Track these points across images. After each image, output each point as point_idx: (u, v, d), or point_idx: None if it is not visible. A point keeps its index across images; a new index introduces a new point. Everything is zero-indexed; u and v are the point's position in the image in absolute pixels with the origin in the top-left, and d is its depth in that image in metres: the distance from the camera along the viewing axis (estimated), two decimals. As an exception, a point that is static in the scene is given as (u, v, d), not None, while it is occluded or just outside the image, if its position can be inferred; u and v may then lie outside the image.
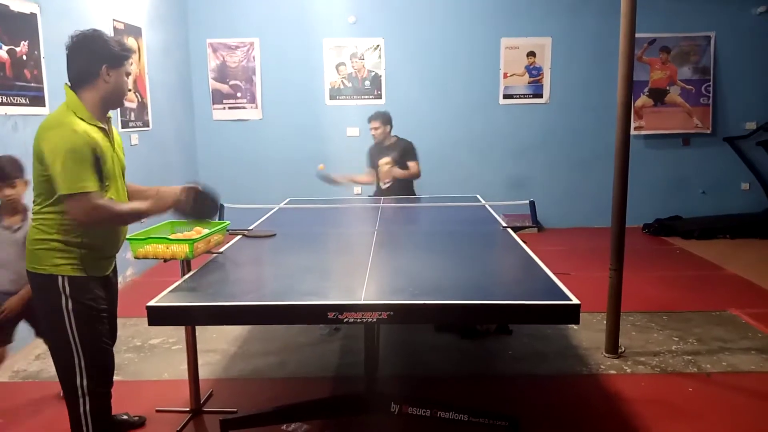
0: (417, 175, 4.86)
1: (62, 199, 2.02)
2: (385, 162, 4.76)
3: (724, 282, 4.80)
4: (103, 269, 2.22)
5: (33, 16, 3.79)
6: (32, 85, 3.76)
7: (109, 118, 2.24)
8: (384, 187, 4.85)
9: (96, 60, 2.10)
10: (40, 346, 3.59)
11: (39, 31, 3.83)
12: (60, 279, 2.08)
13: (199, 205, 2.28)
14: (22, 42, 3.68)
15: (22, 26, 3.69)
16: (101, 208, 2.04)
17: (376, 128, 4.83)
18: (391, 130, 4.87)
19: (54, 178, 2.00)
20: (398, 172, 4.77)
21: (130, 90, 2.27)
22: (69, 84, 2.13)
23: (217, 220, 2.59)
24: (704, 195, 6.83)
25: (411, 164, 4.80)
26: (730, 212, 6.65)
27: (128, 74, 2.21)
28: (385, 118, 4.84)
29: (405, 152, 4.82)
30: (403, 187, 4.85)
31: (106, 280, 2.25)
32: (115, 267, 2.38)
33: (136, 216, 2.20)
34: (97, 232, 2.14)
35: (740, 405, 2.83)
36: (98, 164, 2.06)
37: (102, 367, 2.18)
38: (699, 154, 6.79)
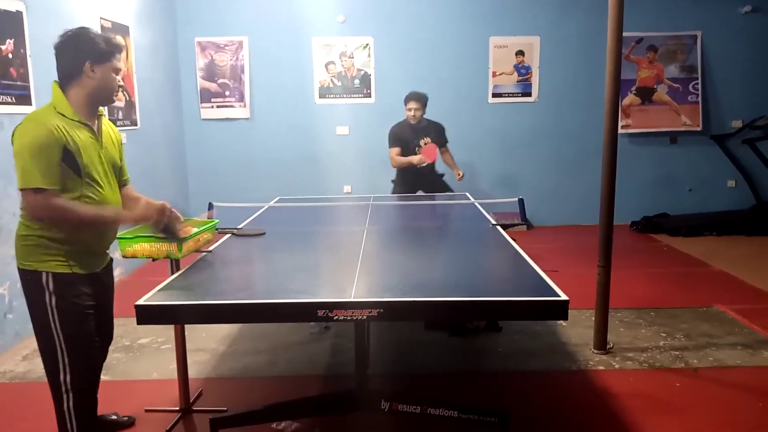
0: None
1: (21, 193, 2.02)
2: (425, 142, 5.07)
3: (711, 278, 4.84)
4: (91, 266, 2.21)
5: (19, 14, 3.75)
6: (18, 83, 3.73)
7: (101, 114, 2.24)
8: (423, 165, 5.06)
9: (80, 56, 2.10)
10: (28, 347, 3.57)
11: (25, 29, 3.80)
12: (44, 275, 2.07)
13: (168, 232, 2.29)
14: (8, 40, 3.64)
15: (8, 24, 3.66)
16: (56, 208, 2.02)
17: (416, 109, 5.01)
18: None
19: (16, 171, 2.00)
20: (450, 159, 5.24)
21: (121, 86, 2.27)
22: (58, 81, 2.14)
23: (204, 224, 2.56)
24: (691, 192, 6.89)
25: (448, 149, 5.29)
26: (716, 209, 6.71)
27: (117, 71, 2.19)
28: (423, 100, 5.05)
29: (441, 135, 5.20)
30: (435, 177, 5.19)
31: (95, 278, 2.24)
32: (110, 264, 2.36)
33: (98, 221, 2.16)
34: (82, 228, 2.12)
35: (727, 399, 2.86)
36: (71, 161, 2.05)
37: (86, 364, 2.17)
38: (686, 152, 6.85)
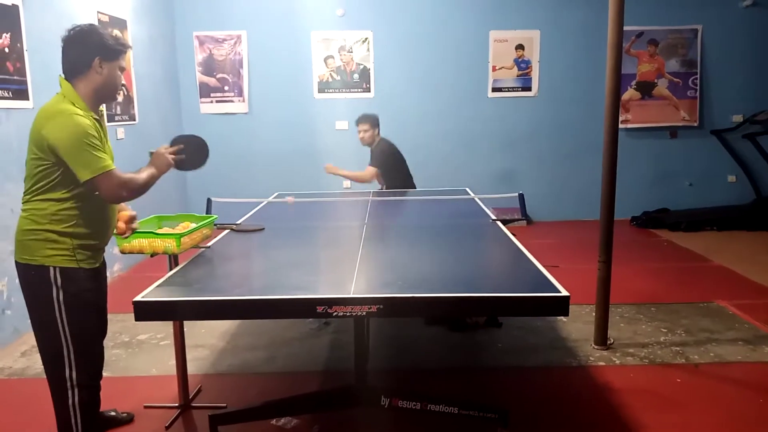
0: (365, 180, 4.84)
1: (88, 184, 2.04)
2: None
3: (711, 273, 4.84)
4: (94, 260, 2.21)
5: (15, 8, 3.72)
6: (15, 78, 3.70)
7: (102, 112, 2.24)
8: (383, 189, 4.83)
9: (90, 52, 2.11)
10: (27, 343, 3.55)
11: (21, 24, 3.77)
12: (51, 270, 2.06)
13: (192, 154, 2.50)
14: (4, 34, 3.62)
15: (4, 18, 3.63)
16: (127, 180, 2.11)
17: (365, 131, 4.77)
18: (378, 132, 4.81)
19: (72, 166, 2.01)
20: (344, 172, 4.88)
21: (124, 85, 2.30)
22: (63, 75, 2.14)
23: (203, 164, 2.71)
24: (691, 187, 6.87)
25: (368, 168, 4.78)
26: (717, 204, 6.70)
27: (122, 69, 2.21)
28: (373, 121, 4.78)
29: (373, 156, 4.81)
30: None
31: (97, 272, 2.24)
32: (104, 259, 2.36)
33: (152, 178, 2.26)
34: (88, 222, 2.13)
35: (727, 395, 2.86)
36: None
37: (91, 359, 2.17)
38: (686, 147, 6.83)
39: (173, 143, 2.45)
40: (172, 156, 2.39)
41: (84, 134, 2.00)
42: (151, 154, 2.34)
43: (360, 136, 4.80)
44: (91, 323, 2.15)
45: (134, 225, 2.40)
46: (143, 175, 2.22)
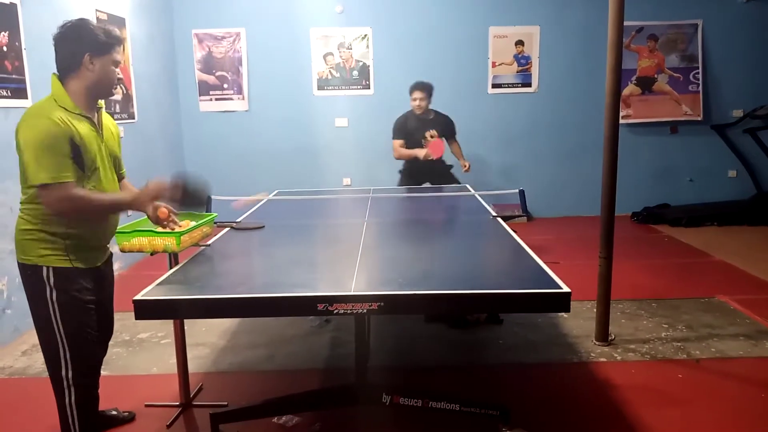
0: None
1: (37, 190, 2.00)
2: (431, 134, 4.87)
3: (712, 269, 4.83)
4: (91, 260, 2.20)
5: (13, 6, 3.71)
6: (13, 77, 3.69)
7: (100, 107, 2.21)
8: (433, 158, 4.92)
9: (79, 48, 2.08)
10: (27, 342, 3.55)
11: (19, 22, 3.76)
12: (45, 269, 2.07)
13: (188, 198, 2.29)
14: (2, 33, 3.61)
15: (2, 17, 3.62)
16: (77, 198, 2.02)
17: (421, 99, 4.86)
18: (430, 102, 4.94)
19: (25, 167, 1.99)
20: (458, 150, 5.12)
21: (120, 79, 2.26)
22: (57, 73, 2.12)
23: (205, 211, 2.59)
24: (692, 183, 6.86)
25: (457, 140, 5.09)
26: (717, 200, 6.69)
27: (116, 63, 2.17)
28: (428, 89, 4.90)
29: (449, 128, 5.03)
30: (443, 168, 5.06)
31: (97, 272, 2.23)
32: (110, 259, 2.35)
33: (116, 207, 2.20)
34: (82, 223, 2.11)
35: (729, 390, 2.85)
36: (77, 153, 2.04)
37: (87, 358, 2.17)
38: (686, 142, 6.82)
39: (175, 178, 2.29)
40: (161, 191, 2.24)
41: (46, 139, 1.96)
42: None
43: (416, 104, 4.90)
44: (86, 323, 2.14)
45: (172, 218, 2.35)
46: (107, 198, 2.14)
